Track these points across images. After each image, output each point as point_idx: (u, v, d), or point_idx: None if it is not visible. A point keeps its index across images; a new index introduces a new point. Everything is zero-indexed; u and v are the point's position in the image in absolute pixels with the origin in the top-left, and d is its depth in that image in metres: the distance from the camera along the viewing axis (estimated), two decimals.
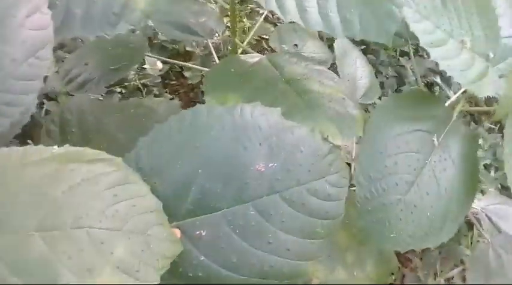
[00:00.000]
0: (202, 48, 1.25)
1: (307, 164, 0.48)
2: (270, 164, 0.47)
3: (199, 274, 0.45)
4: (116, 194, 0.40)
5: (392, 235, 0.51)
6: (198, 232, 0.45)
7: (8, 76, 0.40)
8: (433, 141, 0.55)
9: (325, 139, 0.49)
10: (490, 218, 0.75)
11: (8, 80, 0.40)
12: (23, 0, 0.43)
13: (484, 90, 0.53)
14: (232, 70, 0.58)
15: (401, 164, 0.52)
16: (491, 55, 0.57)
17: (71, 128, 0.73)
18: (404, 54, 1.34)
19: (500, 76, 0.57)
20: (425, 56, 1.25)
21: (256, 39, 1.33)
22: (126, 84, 1.26)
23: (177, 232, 0.44)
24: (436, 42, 0.52)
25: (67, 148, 0.42)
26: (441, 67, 0.50)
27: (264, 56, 0.63)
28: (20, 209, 0.37)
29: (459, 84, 0.61)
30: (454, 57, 0.53)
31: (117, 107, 0.77)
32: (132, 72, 1.25)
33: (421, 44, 0.50)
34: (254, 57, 0.63)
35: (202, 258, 0.45)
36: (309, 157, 0.48)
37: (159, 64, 1.37)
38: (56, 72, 1.05)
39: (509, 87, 0.54)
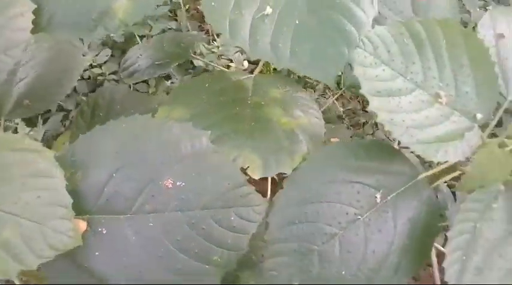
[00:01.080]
0: None
1: (217, 191, 0.48)
2: (178, 183, 0.48)
3: (93, 267, 0.48)
4: (24, 183, 0.46)
5: (296, 283, 0.48)
6: (100, 229, 0.48)
7: None
8: (376, 198, 0.49)
9: (243, 171, 0.48)
10: None
11: None
12: (12, 3, 0.51)
13: (441, 154, 0.46)
14: (207, 84, 0.60)
15: (325, 214, 0.48)
16: (480, 116, 0.48)
17: (99, 112, 0.83)
18: None
19: (482, 145, 0.48)
20: None
21: None
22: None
23: (83, 225, 0.49)
24: (393, 92, 0.46)
25: (8, 134, 0.50)
26: (380, 120, 0.45)
27: (253, 75, 0.63)
28: None
29: None
30: (414, 110, 0.46)
31: (144, 100, 0.85)
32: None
33: (362, 91, 0.45)
34: (242, 75, 0.63)
35: (97, 253, 0.48)
36: (220, 184, 0.48)
37: (245, 63, 1.43)
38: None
39: (477, 161, 0.46)
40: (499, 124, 0.55)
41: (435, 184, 0.55)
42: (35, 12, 0.53)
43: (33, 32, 0.53)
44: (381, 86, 0.46)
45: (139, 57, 0.93)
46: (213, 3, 0.51)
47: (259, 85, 0.61)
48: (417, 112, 0.46)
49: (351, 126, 1.22)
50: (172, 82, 1.38)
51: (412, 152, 0.46)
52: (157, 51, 0.92)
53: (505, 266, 0.45)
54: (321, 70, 0.47)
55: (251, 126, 0.54)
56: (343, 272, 0.47)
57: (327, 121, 1.26)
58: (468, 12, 1.41)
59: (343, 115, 1.20)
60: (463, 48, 0.48)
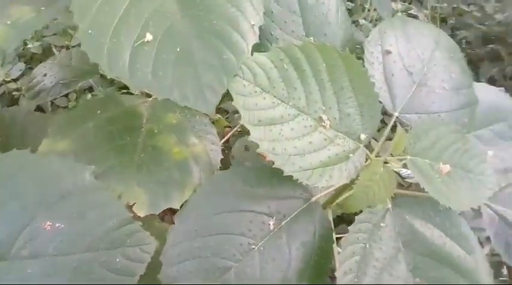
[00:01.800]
0: None
1: (99, 231, 0.45)
2: (57, 225, 0.45)
3: None
4: None
5: None
6: None
7: None
8: (269, 225, 0.49)
9: (129, 208, 0.47)
10: None
11: None
12: None
13: (326, 179, 0.46)
14: (98, 111, 0.57)
15: (217, 247, 0.47)
16: (363, 136, 0.49)
17: None
18: None
19: (367, 165, 0.48)
20: None
21: None
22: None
23: None
24: (275, 120, 0.46)
25: None
26: (261, 150, 0.44)
27: (150, 99, 0.61)
28: None
29: None
30: (296, 137, 0.46)
31: (49, 121, 0.80)
32: None
33: (241, 122, 0.44)
34: (136, 99, 0.61)
35: None
36: (104, 224, 0.46)
37: None
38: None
39: (361, 182, 0.46)
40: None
41: (332, 204, 0.55)
42: None
43: None
44: (261, 115, 0.45)
45: (44, 75, 0.88)
46: (90, 31, 0.48)
47: (155, 110, 0.59)
48: (299, 139, 0.46)
49: None
50: (94, 95, 1.32)
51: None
52: (64, 68, 0.88)
53: (396, 283, 0.46)
54: (200, 100, 0.45)
55: (140, 158, 0.52)
56: None
57: (246, 133, 1.26)
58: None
59: None
60: (343, 70, 0.48)
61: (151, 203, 0.48)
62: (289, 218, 0.49)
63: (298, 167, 0.45)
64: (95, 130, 0.54)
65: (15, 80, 1.28)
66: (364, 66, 0.49)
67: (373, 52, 0.57)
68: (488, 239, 0.55)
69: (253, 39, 0.48)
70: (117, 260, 0.45)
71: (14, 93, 1.29)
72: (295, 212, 0.50)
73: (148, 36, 0.48)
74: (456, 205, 0.47)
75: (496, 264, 0.67)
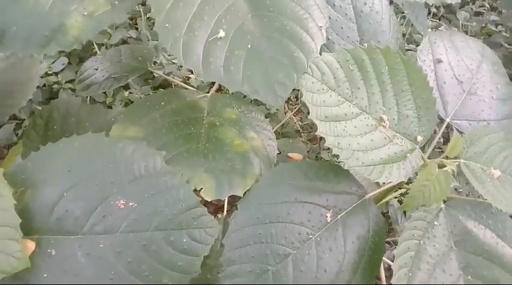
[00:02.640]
0: None
1: (169, 212, 0.48)
2: (131, 204, 0.48)
3: None
4: None
5: None
6: (49, 250, 0.48)
7: None
8: (326, 217, 0.51)
9: (196, 192, 0.49)
10: None
11: None
12: None
13: (386, 175, 0.48)
14: (162, 103, 0.60)
15: (278, 234, 0.49)
16: (420, 138, 0.51)
17: (53, 124, 0.81)
18: None
19: (423, 165, 0.51)
20: None
21: None
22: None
23: (32, 245, 0.48)
24: (339, 117, 0.49)
25: None
26: (327, 144, 0.47)
27: (209, 95, 0.64)
28: None
29: None
30: (359, 134, 0.49)
31: (100, 113, 0.84)
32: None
33: (310, 117, 0.47)
34: (198, 94, 0.64)
35: (45, 274, 0.48)
36: (173, 206, 0.48)
37: None
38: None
39: (418, 182, 0.48)
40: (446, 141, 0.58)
41: (382, 201, 0.57)
42: None
43: None
44: (328, 111, 0.48)
45: (96, 69, 0.92)
46: (166, 25, 0.52)
47: (214, 105, 0.62)
48: (362, 136, 0.49)
49: (308, 140, 1.25)
50: (130, 93, 1.36)
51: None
52: (114, 64, 0.91)
53: (448, 280, 0.48)
54: (271, 94, 0.48)
55: (205, 147, 0.55)
56: None
57: (285, 135, 1.29)
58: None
59: (301, 130, 1.23)
60: (404, 74, 0.50)
61: (217, 188, 0.51)
62: (344, 212, 0.52)
63: (361, 163, 0.47)
64: (162, 119, 0.57)
65: (56, 74, 1.33)
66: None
67: (425, 60, 0.59)
68: None
69: (321, 40, 0.51)
70: (184, 240, 0.48)
71: (54, 86, 1.34)
72: (351, 207, 0.52)
73: (221, 33, 0.51)
74: (507, 207, 0.49)
75: None
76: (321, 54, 0.50)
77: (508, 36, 1.69)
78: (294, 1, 0.52)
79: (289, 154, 1.14)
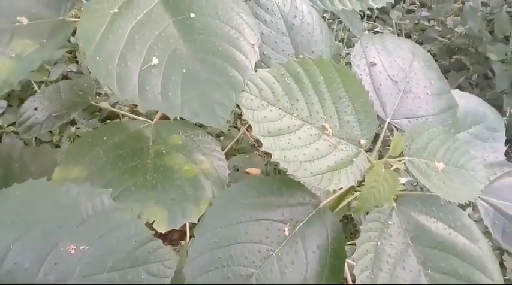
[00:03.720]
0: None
1: (123, 250, 0.47)
2: (82, 247, 0.46)
3: None
4: None
5: None
6: None
7: None
8: (284, 231, 0.51)
9: (149, 226, 0.48)
10: None
11: None
12: None
13: (335, 182, 0.49)
14: (105, 137, 0.59)
15: (238, 256, 0.49)
16: (363, 141, 0.52)
17: None
18: None
19: (370, 167, 0.52)
20: None
21: None
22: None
23: None
24: (282, 130, 0.49)
25: None
26: (274, 158, 0.47)
27: (153, 122, 0.63)
28: None
29: None
30: (304, 145, 0.49)
31: (45, 155, 0.81)
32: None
33: (254, 134, 0.47)
34: (141, 124, 0.63)
35: None
36: (126, 243, 0.47)
37: None
38: None
39: (367, 184, 0.49)
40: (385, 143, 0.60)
41: (339, 207, 0.58)
42: None
43: None
44: (270, 126, 0.48)
45: (35, 109, 0.89)
46: (97, 58, 0.51)
47: (159, 132, 0.61)
48: (307, 147, 0.49)
49: (264, 154, 1.25)
50: (77, 128, 1.33)
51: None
52: (54, 101, 0.88)
53: (409, 277, 0.49)
54: (211, 116, 0.48)
55: (153, 177, 0.53)
56: None
57: (241, 151, 1.29)
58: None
59: (256, 144, 1.24)
60: (339, 81, 0.52)
61: (170, 219, 0.50)
62: (301, 224, 0.52)
63: (309, 173, 0.48)
64: (106, 155, 0.56)
65: None
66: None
67: (359, 65, 0.61)
68: (486, 233, 0.59)
69: (254, 57, 0.51)
70: (142, 277, 0.46)
71: None
72: (307, 218, 0.52)
73: (155, 60, 0.51)
74: (454, 198, 0.51)
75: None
76: (256, 70, 0.50)
77: (440, 29, 1.78)
78: (224, 21, 0.52)
79: (247, 170, 1.14)
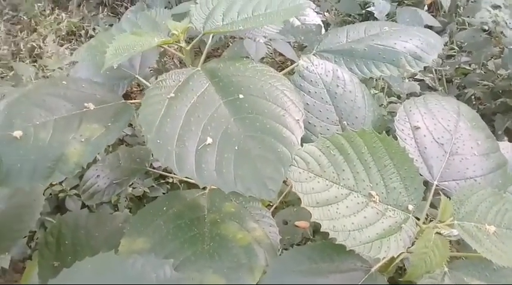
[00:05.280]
0: None
1: None
2: None
3: None
4: None
5: None
6: None
7: None
8: None
9: None
10: None
11: None
12: None
13: (384, 250, 0.50)
14: (164, 208, 0.63)
15: None
16: (411, 207, 0.54)
17: (64, 240, 0.84)
18: None
19: (419, 232, 0.53)
20: None
21: None
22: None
23: None
24: (330, 200, 0.52)
25: None
26: (323, 229, 0.49)
27: (207, 191, 0.68)
28: None
29: None
30: (352, 213, 0.51)
31: (108, 220, 0.87)
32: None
33: (302, 205, 0.50)
34: (196, 193, 0.68)
35: None
36: None
37: None
38: None
39: (417, 250, 0.50)
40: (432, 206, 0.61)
41: (389, 269, 0.59)
42: None
43: None
44: (318, 197, 0.51)
45: (97, 177, 0.96)
46: (158, 141, 0.56)
47: (213, 201, 0.65)
48: (355, 215, 0.51)
49: None
50: (134, 188, 1.40)
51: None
52: (114, 169, 0.96)
53: None
54: (263, 190, 0.51)
55: (210, 246, 0.57)
56: None
57: (288, 204, 1.31)
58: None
59: None
60: (383, 150, 0.54)
61: None
62: None
63: (359, 242, 0.50)
64: (166, 226, 0.60)
65: (60, 182, 1.37)
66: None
67: (404, 129, 0.63)
68: None
69: (299, 132, 0.55)
70: None
71: (59, 194, 1.38)
72: (359, 283, 0.53)
73: (209, 140, 0.55)
74: (508, 262, 0.51)
75: None
76: (302, 145, 0.54)
77: (483, 72, 1.76)
78: (270, 100, 0.57)
79: (296, 223, 1.15)
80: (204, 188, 0.69)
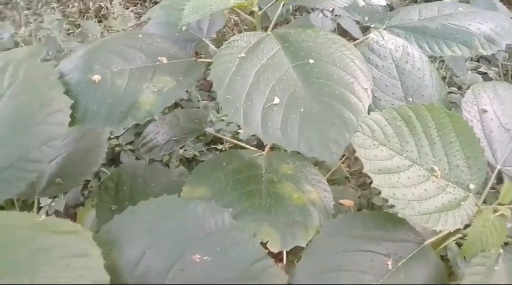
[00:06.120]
0: None
1: (239, 265, 0.52)
2: (205, 257, 0.53)
3: None
4: (68, 264, 0.51)
5: None
6: None
7: (21, 158, 0.57)
8: (388, 265, 0.53)
9: (264, 245, 0.54)
10: None
11: (20, 161, 0.56)
12: (48, 102, 0.59)
13: (442, 223, 0.51)
14: (224, 163, 0.66)
15: (343, 282, 0.52)
16: (472, 186, 0.54)
17: (123, 186, 0.89)
18: None
19: (478, 212, 0.53)
20: None
21: None
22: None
23: None
24: (392, 169, 0.52)
25: (48, 218, 0.56)
26: (383, 195, 0.50)
27: (264, 153, 0.70)
28: None
29: None
30: (413, 184, 0.52)
31: (163, 173, 0.91)
32: None
33: (364, 170, 0.51)
34: (254, 153, 0.70)
35: None
36: (244, 259, 0.53)
37: None
38: None
39: (475, 229, 0.51)
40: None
41: (440, 247, 0.59)
42: (72, 106, 0.61)
43: (69, 125, 0.61)
44: (380, 165, 0.52)
45: (157, 133, 1.01)
46: (227, 96, 0.58)
47: (270, 162, 0.67)
48: (416, 187, 0.52)
49: (357, 186, 1.27)
50: (185, 150, 1.45)
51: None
52: (174, 127, 1.00)
53: None
54: (326, 152, 0.53)
55: (267, 202, 0.59)
56: None
57: (334, 182, 1.32)
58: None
59: (350, 177, 1.26)
60: (450, 127, 0.54)
61: (282, 241, 0.55)
62: (405, 260, 0.54)
63: (417, 212, 0.50)
64: (226, 179, 0.63)
65: (117, 137, 1.44)
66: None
67: (470, 111, 0.63)
68: None
69: (367, 100, 0.56)
70: None
71: (115, 148, 1.44)
72: (410, 254, 0.54)
73: (276, 100, 0.57)
74: None
75: None
76: (369, 113, 0.54)
77: None
78: (340, 67, 0.58)
79: (341, 201, 1.16)
80: (256, 144, 0.71)
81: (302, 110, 0.56)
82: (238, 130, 1.49)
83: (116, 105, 0.63)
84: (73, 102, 0.62)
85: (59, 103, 0.60)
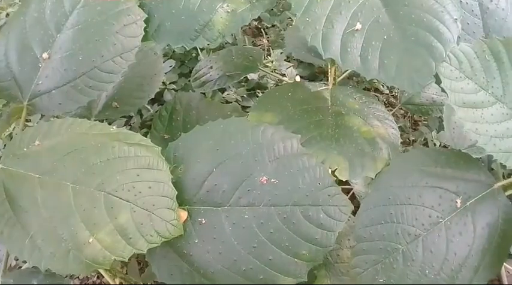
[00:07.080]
0: None
1: (306, 189, 0.52)
2: (272, 180, 0.53)
3: (191, 253, 0.53)
4: (139, 174, 0.52)
5: (381, 280, 0.52)
6: (200, 219, 0.54)
7: (95, 67, 0.56)
8: (456, 203, 0.53)
9: (332, 173, 0.53)
10: None
11: (94, 70, 0.56)
12: (124, 12, 0.58)
13: None
14: (289, 93, 0.65)
15: (409, 215, 0.52)
16: None
17: (177, 116, 0.89)
18: None
19: None
20: None
21: None
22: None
23: (185, 214, 0.54)
24: (477, 104, 0.50)
25: (121, 129, 0.56)
26: (466, 129, 0.49)
27: (330, 87, 0.68)
28: (68, 166, 0.51)
29: None
30: (496, 122, 0.50)
31: (218, 107, 0.91)
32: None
33: (449, 102, 0.49)
34: (319, 86, 0.68)
35: (196, 241, 0.53)
36: (310, 184, 0.52)
37: (297, 78, 1.49)
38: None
39: None
40: None
41: (510, 192, 0.58)
42: (145, 21, 0.60)
43: (142, 39, 0.60)
44: (465, 98, 0.50)
45: (210, 68, 1.00)
46: (307, 19, 0.56)
47: (336, 96, 0.66)
48: (498, 124, 0.50)
49: (401, 143, 1.25)
50: (227, 94, 1.44)
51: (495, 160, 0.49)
52: (228, 63, 0.98)
53: None
54: (407, 82, 0.51)
55: (335, 132, 0.58)
56: (426, 271, 0.51)
57: None
58: None
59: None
60: None
61: (351, 170, 0.54)
62: (474, 199, 0.53)
63: (498, 149, 0.49)
64: (293, 107, 0.62)
65: None
66: None
67: None
68: None
69: (457, 31, 0.53)
70: (321, 215, 0.52)
71: (159, 87, 1.45)
72: (480, 195, 0.53)
73: (358, 25, 0.55)
74: None
75: None
76: (457, 45, 0.52)
77: None
78: None
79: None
80: (327, 84, 0.70)
81: (385, 37, 0.54)
82: (283, 78, 1.47)
83: (189, 23, 0.61)
84: (147, 15, 0.61)
85: (134, 15, 0.59)
